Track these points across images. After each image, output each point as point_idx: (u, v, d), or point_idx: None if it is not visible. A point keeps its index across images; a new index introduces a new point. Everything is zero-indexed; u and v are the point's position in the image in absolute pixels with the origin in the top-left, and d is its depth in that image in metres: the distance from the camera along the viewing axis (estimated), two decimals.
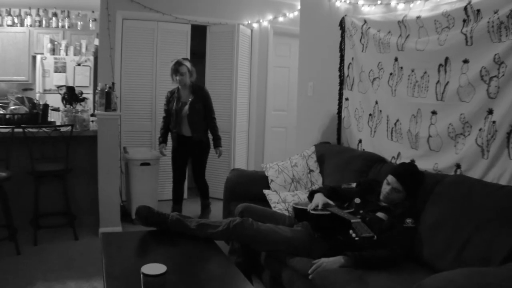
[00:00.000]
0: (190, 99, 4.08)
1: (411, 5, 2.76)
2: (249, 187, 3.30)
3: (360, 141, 3.36)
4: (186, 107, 4.06)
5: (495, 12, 2.17)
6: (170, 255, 2.32)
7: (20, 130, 3.44)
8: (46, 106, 4.04)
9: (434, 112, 2.61)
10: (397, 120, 2.92)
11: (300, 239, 2.37)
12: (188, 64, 4.07)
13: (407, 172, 2.43)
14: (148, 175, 4.24)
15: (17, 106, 3.97)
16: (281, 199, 3.01)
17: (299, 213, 2.61)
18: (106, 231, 3.51)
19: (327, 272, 2.03)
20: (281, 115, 5.86)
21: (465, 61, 2.38)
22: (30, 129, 3.48)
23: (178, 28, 5.05)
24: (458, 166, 2.45)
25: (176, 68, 4.03)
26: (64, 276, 2.98)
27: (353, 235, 2.08)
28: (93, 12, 6.14)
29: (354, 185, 2.79)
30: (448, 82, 2.50)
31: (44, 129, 3.58)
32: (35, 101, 4.14)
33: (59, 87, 4.23)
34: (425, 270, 2.06)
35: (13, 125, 3.52)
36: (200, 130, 4.13)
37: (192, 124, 4.09)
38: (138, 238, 2.72)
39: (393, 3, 2.95)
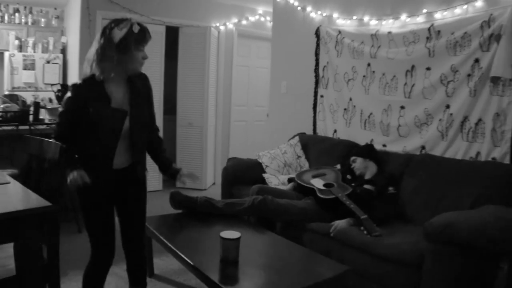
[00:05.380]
0: (130, 101, 2.17)
1: (383, 22, 3.48)
2: (246, 172, 3.82)
3: (335, 131, 4.05)
4: (127, 117, 2.14)
5: (452, 33, 2.95)
6: (217, 228, 2.50)
7: (26, 127, 3.61)
8: (37, 103, 4.15)
9: (402, 107, 3.37)
10: (371, 113, 3.65)
11: (312, 209, 2.99)
12: None
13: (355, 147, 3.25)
14: None
15: (8, 104, 4.05)
16: (280, 181, 3.59)
17: (305, 189, 3.21)
18: None
19: (343, 229, 2.67)
20: (242, 110, 6.41)
21: (428, 69, 3.15)
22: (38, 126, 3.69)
23: (154, 29, 5.24)
24: (423, 147, 3.23)
25: (147, 38, 2.20)
26: None
27: (365, 232, 2.56)
28: (55, 9, 6.14)
29: (338, 166, 3.49)
30: (414, 84, 3.26)
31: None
32: (23, 99, 4.26)
33: (52, 84, 4.36)
34: (411, 224, 2.79)
35: (5, 123, 3.64)
36: (144, 156, 2.34)
37: (136, 147, 2.22)
38: (173, 219, 3.02)
39: (366, 19, 3.65)
